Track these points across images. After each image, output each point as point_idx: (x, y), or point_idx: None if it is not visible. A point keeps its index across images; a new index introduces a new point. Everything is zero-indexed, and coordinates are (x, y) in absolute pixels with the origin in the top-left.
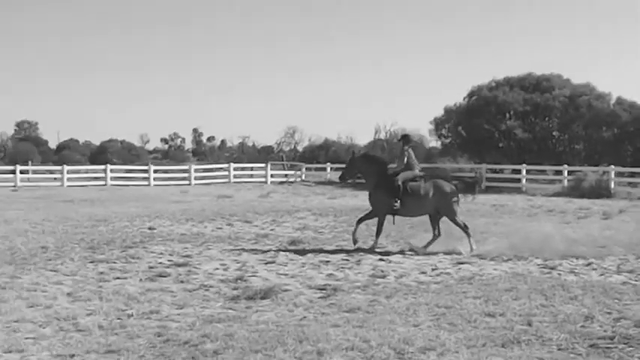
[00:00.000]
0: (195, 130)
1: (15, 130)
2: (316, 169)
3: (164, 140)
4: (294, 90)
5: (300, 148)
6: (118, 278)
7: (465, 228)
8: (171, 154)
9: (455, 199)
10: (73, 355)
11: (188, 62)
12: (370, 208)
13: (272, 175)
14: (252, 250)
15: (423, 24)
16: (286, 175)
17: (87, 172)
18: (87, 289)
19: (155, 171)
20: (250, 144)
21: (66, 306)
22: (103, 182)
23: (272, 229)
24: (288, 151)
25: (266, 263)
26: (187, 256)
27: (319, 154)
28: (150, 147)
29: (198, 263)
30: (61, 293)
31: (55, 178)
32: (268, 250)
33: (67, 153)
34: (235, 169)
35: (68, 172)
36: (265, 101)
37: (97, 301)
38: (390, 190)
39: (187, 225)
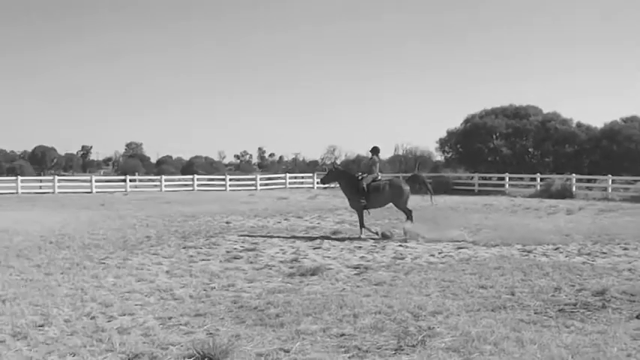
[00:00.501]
0: (260, 149)
1: (125, 149)
2: None
3: (236, 156)
4: (334, 118)
5: (338, 162)
6: (204, 260)
7: (409, 214)
8: (241, 166)
9: (406, 192)
10: (170, 318)
11: (256, 97)
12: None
13: (317, 183)
14: (304, 238)
15: (434, 71)
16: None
17: (179, 180)
18: (180, 268)
19: (230, 179)
20: (301, 159)
21: (165, 281)
22: (191, 188)
23: (318, 223)
24: (329, 164)
25: (314, 248)
26: (255, 243)
27: (353, 166)
28: (226, 161)
29: (263, 248)
30: (161, 271)
31: (155, 185)
32: (316, 239)
33: (164, 166)
34: (290, 177)
35: (165, 181)
36: (312, 126)
37: (188, 277)
38: (358, 192)
39: (254, 220)
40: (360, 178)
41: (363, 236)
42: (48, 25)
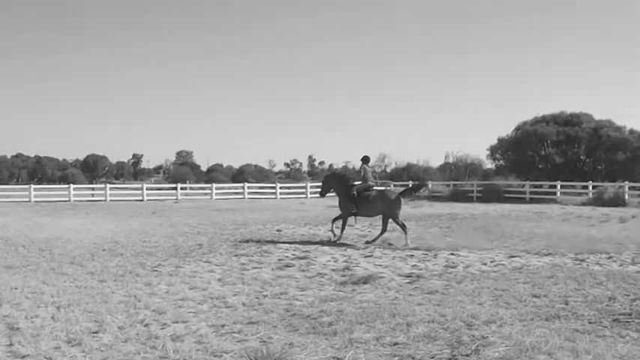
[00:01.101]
0: (310, 157)
1: (176, 157)
2: (401, 186)
3: (286, 164)
4: (385, 126)
5: (388, 170)
6: (256, 268)
7: (403, 227)
8: (292, 174)
9: (397, 204)
10: (223, 325)
11: (306, 105)
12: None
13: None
14: (355, 246)
15: (485, 78)
16: None
17: (230, 188)
18: (232, 276)
19: (280, 187)
20: (351, 167)
21: (217, 288)
22: (241, 196)
23: (369, 231)
24: (379, 172)
25: (365, 257)
26: (306, 251)
27: (403, 173)
28: (276, 169)
29: (315, 257)
30: (214, 279)
31: (205, 193)
32: (367, 247)
33: (214, 174)
34: None
35: (216, 189)
36: (362, 134)
37: (241, 285)
38: (349, 199)
39: (305, 228)
40: (352, 184)
41: (335, 236)
42: (101, 30)
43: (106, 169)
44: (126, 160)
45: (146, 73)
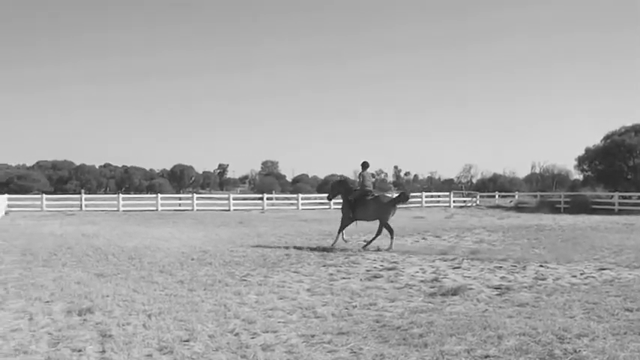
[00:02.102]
0: (395, 167)
1: (261, 167)
2: (487, 197)
3: (372, 174)
4: (471, 136)
5: (474, 180)
6: (344, 278)
7: (390, 231)
8: (377, 184)
9: (390, 209)
10: (313, 335)
11: (392, 116)
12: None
13: (454, 201)
14: (443, 258)
15: (573, 87)
16: (465, 201)
17: (315, 198)
18: (321, 286)
19: None
20: (437, 177)
21: (306, 298)
22: (327, 206)
23: (456, 242)
24: (465, 183)
25: (454, 268)
26: (394, 262)
27: (489, 184)
28: None
29: (403, 268)
30: (302, 289)
31: (291, 203)
32: (455, 258)
33: (300, 185)
34: (426, 196)
35: (302, 199)
36: (448, 145)
37: (329, 295)
38: (349, 204)
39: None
40: (354, 190)
41: (342, 239)
42: (189, 35)
43: (193, 179)
44: (212, 170)
45: (231, 82)
